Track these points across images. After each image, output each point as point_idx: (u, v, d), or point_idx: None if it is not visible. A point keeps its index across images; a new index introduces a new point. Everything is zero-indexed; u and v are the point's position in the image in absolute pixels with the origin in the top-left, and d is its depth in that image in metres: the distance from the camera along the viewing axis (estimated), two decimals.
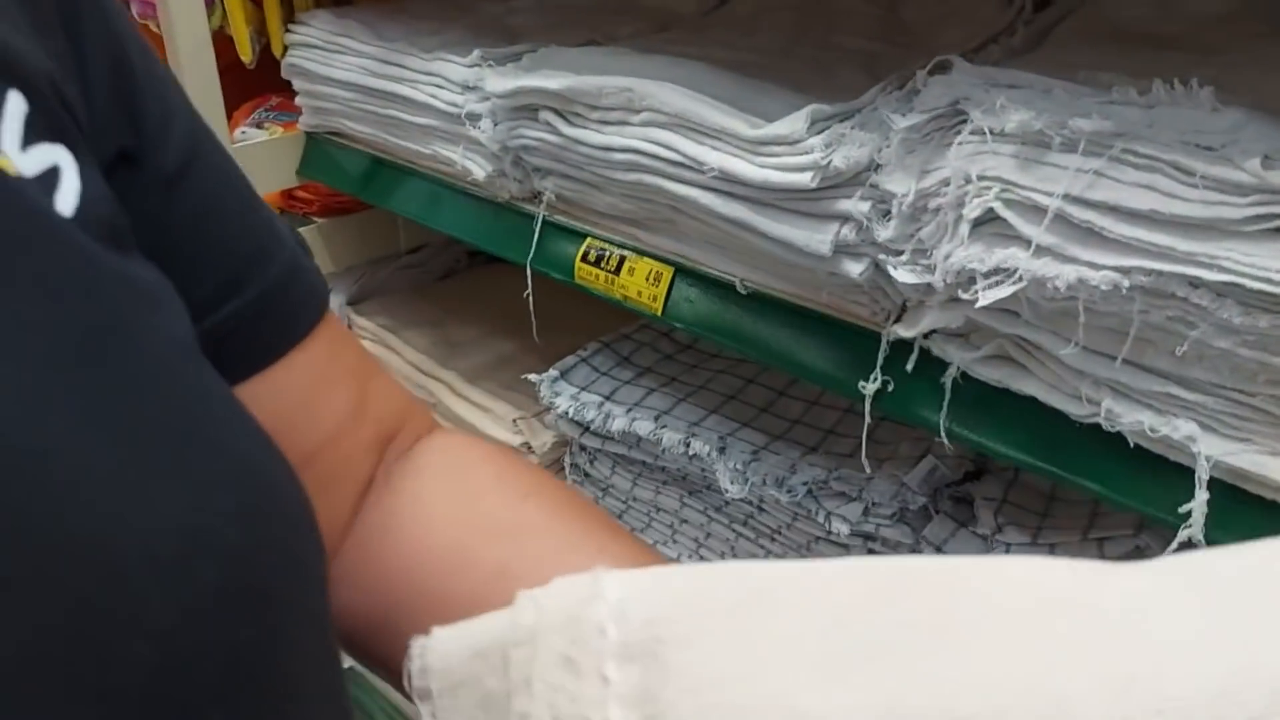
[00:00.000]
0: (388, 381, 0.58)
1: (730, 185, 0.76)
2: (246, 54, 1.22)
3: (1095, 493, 0.64)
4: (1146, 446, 0.62)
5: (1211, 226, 0.55)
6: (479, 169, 1.00)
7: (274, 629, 0.33)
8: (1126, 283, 0.57)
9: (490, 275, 1.48)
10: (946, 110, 0.66)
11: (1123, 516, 0.77)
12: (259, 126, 1.37)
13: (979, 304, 0.62)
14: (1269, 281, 0.52)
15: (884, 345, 0.73)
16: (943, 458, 0.84)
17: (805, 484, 0.85)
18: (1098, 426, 0.63)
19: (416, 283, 1.45)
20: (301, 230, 1.32)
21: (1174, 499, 0.60)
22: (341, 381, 0.53)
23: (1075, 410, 0.64)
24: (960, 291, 0.64)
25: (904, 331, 0.72)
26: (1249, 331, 0.55)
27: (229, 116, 1.22)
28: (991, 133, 0.62)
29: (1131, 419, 0.61)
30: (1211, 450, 0.58)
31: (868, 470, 0.78)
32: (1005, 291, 0.61)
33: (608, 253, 0.92)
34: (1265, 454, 0.57)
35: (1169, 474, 0.61)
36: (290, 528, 0.36)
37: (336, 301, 1.38)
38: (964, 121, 0.65)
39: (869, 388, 0.74)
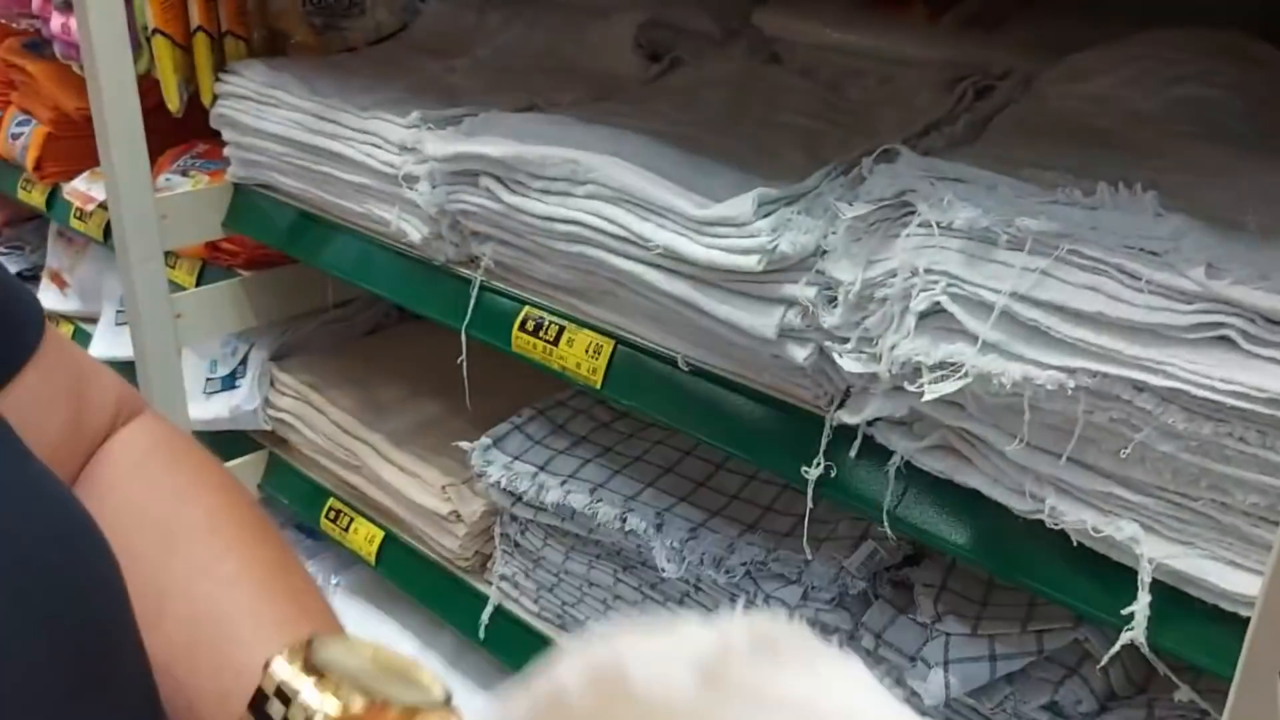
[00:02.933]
0: (101, 386, 0.57)
1: (675, 263, 0.76)
2: (174, 103, 1.19)
3: (1038, 591, 0.64)
4: (1089, 545, 0.62)
5: (1156, 331, 0.56)
6: (415, 231, 0.98)
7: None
8: (1072, 383, 0.58)
9: (417, 331, 1.45)
10: (893, 201, 0.67)
11: (1062, 609, 0.77)
12: (184, 174, 1.32)
13: (925, 397, 0.62)
14: (1213, 390, 0.53)
15: (827, 430, 0.73)
16: (882, 540, 0.83)
17: (744, 564, 0.84)
18: (1041, 523, 0.63)
19: (342, 338, 1.41)
20: (226, 284, 1.28)
21: (1116, 599, 0.60)
22: (57, 404, 0.53)
23: (1019, 505, 0.64)
24: (906, 383, 0.64)
25: (848, 418, 0.71)
26: (1192, 437, 0.55)
27: (152, 161, 1.18)
28: (939, 227, 0.63)
29: (1075, 517, 0.61)
30: (1154, 552, 0.58)
31: (809, 555, 0.77)
32: (951, 387, 0.61)
33: (546, 322, 0.91)
34: (1207, 558, 0.57)
35: (1111, 573, 0.61)
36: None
37: (259, 357, 1.33)
38: (910, 213, 0.66)
39: (812, 473, 0.73)
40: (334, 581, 1.35)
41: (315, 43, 1.31)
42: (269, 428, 1.33)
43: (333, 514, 1.26)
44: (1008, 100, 0.85)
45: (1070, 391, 0.58)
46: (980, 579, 0.81)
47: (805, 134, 0.92)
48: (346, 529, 1.24)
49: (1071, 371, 0.58)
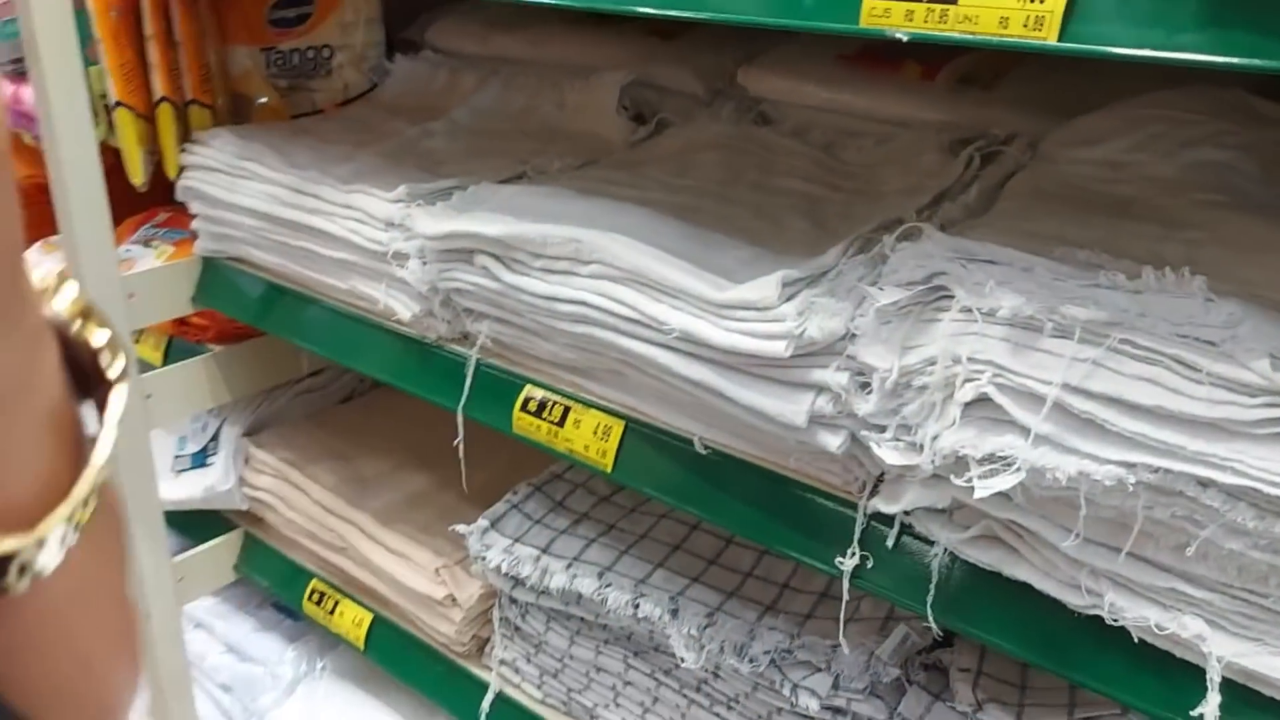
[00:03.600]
0: None
1: (693, 347, 0.73)
2: (139, 177, 1.14)
3: (1098, 690, 0.61)
4: (1150, 642, 0.59)
5: (1220, 426, 0.54)
6: (405, 309, 0.94)
7: None
8: (1132, 479, 0.56)
9: (395, 396, 1.39)
10: (924, 284, 0.64)
11: None
12: (146, 244, 1.26)
13: (976, 494, 0.59)
14: None
15: (860, 518, 0.70)
16: (910, 621, 0.81)
17: (768, 652, 0.81)
18: (1097, 618, 0.61)
19: (317, 408, 1.36)
20: (197, 360, 1.22)
21: (1182, 698, 0.58)
22: None
23: (1074, 601, 0.62)
24: (952, 475, 0.62)
25: (884, 506, 0.68)
26: (1262, 535, 0.53)
27: None
28: (981, 314, 0.60)
29: (1136, 614, 0.59)
30: (1222, 650, 0.56)
31: (845, 649, 0.74)
32: (1005, 482, 0.59)
33: (550, 402, 0.87)
34: (1278, 655, 0.55)
35: (1175, 671, 0.58)
36: None
37: (232, 433, 1.28)
38: (944, 296, 0.64)
39: (847, 564, 0.70)
40: (319, 665, 1.30)
41: (281, 105, 1.27)
42: (245, 508, 1.28)
43: (316, 596, 1.21)
44: (1016, 165, 0.83)
45: (1130, 488, 0.56)
46: (1016, 660, 0.78)
47: (806, 199, 0.90)
48: (332, 611, 1.19)
49: (1131, 466, 0.56)
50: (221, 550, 1.30)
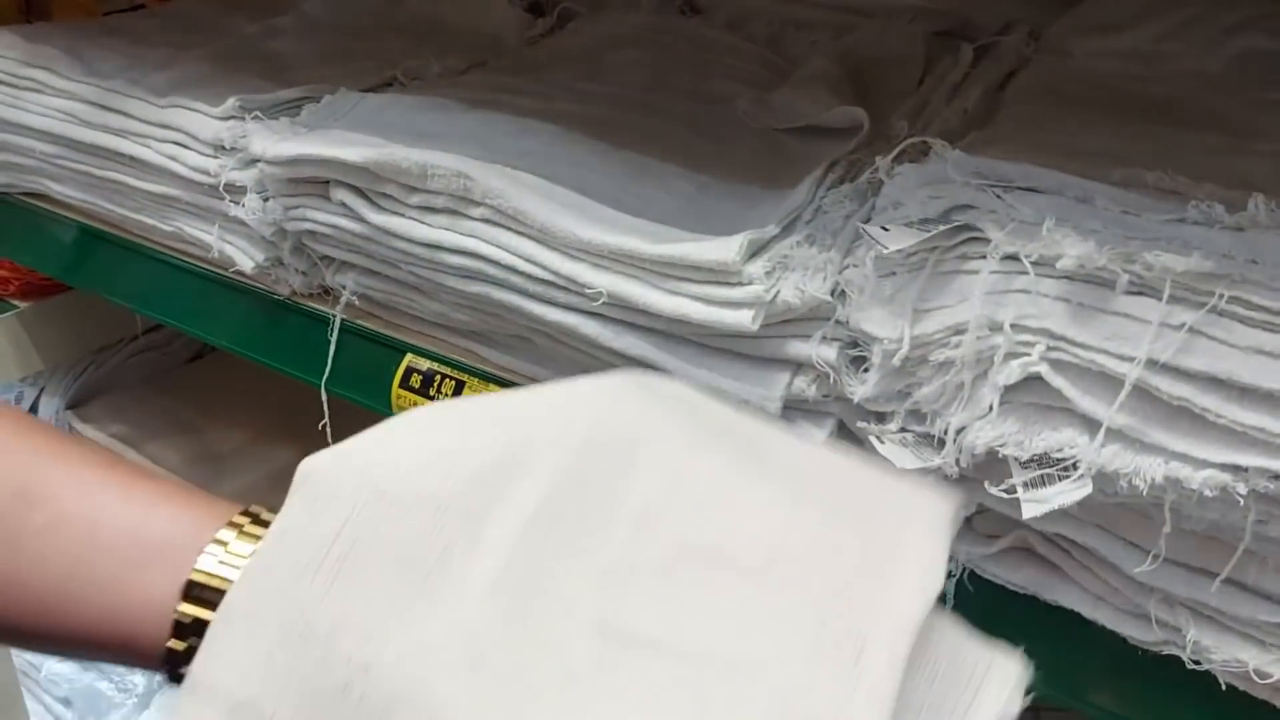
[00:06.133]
0: None
1: (626, 314, 0.55)
2: None
3: None
4: (1246, 690, 0.45)
5: None
6: (245, 258, 0.74)
7: None
8: (1243, 488, 0.41)
9: None
10: (942, 222, 0.48)
11: None
12: None
13: (1025, 514, 0.44)
14: None
15: None
16: None
17: None
18: (1171, 659, 0.47)
19: (158, 370, 1.13)
20: None
21: None
22: None
23: (1141, 635, 0.47)
24: (986, 482, 0.46)
25: None
26: None
27: None
28: (1032, 264, 0.44)
29: (1228, 655, 0.45)
30: None
31: None
32: (1068, 496, 0.43)
33: (439, 375, 0.69)
34: None
35: None
36: None
37: (52, 405, 1.05)
38: (972, 239, 0.47)
39: None
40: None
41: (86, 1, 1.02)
42: None
43: None
44: (1019, 60, 0.67)
45: (1240, 499, 0.41)
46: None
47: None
48: None
49: (1241, 471, 0.41)
50: None
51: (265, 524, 0.33)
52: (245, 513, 0.34)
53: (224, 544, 0.33)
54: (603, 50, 0.82)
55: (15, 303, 1.01)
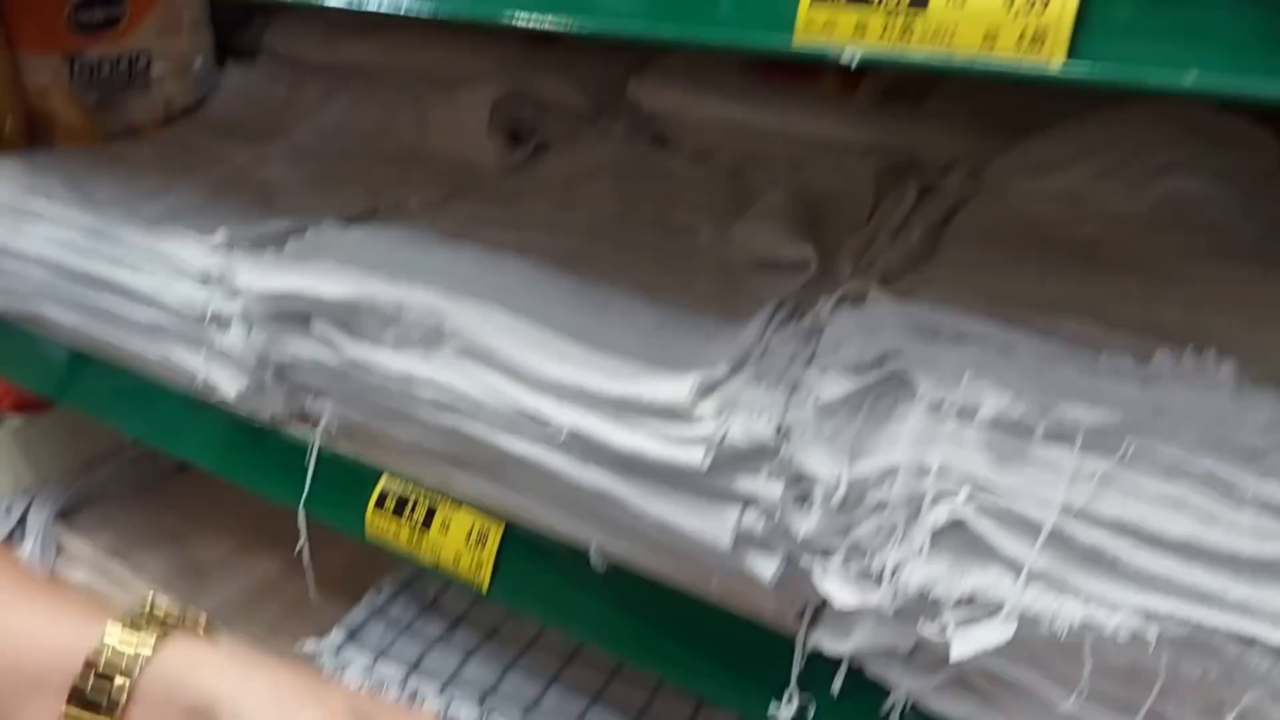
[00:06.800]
0: None
1: (588, 448, 0.58)
2: None
3: None
4: None
5: (1271, 566, 0.41)
6: (229, 384, 0.76)
7: None
8: (1154, 632, 0.43)
9: None
10: (874, 368, 0.51)
11: None
12: None
13: (954, 656, 0.46)
14: None
15: (799, 656, 0.56)
16: None
17: None
18: None
19: (147, 479, 1.16)
20: None
21: None
22: None
23: None
24: (921, 618, 0.48)
25: (829, 644, 0.54)
26: None
27: None
28: (955, 413, 0.47)
29: None
30: None
31: None
32: (992, 638, 0.45)
33: (412, 498, 0.71)
34: None
35: None
36: None
37: (41, 516, 1.07)
38: (899, 385, 0.50)
39: (782, 712, 0.56)
40: None
41: (87, 126, 1.07)
42: None
43: None
44: (958, 199, 0.71)
45: (1151, 643, 0.43)
46: None
47: (714, 240, 0.76)
48: None
49: (1153, 616, 0.43)
50: None
51: None
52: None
53: None
54: (575, 180, 0.86)
55: (6, 416, 1.04)
